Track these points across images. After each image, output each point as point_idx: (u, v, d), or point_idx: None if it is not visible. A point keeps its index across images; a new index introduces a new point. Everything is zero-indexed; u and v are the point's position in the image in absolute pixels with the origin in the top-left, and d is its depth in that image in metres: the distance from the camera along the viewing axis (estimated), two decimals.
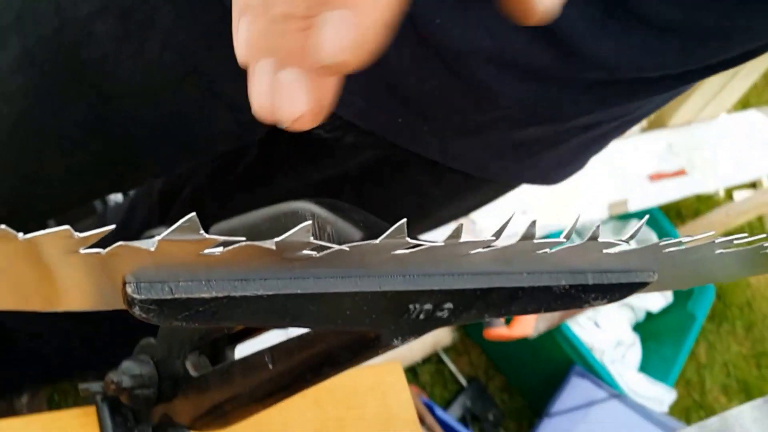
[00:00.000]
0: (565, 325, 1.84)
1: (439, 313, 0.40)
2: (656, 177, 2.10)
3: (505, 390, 2.02)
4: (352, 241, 0.44)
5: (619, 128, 0.68)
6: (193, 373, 0.50)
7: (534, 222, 0.36)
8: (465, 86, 0.56)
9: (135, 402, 0.52)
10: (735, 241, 0.44)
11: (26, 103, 0.63)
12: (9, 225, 0.24)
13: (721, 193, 2.64)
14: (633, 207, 2.02)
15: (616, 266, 0.46)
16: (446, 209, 0.78)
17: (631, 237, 0.44)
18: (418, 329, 0.40)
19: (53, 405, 1.47)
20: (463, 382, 1.95)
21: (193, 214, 0.26)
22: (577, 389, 1.82)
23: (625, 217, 2.16)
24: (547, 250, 0.39)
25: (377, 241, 0.32)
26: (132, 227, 0.99)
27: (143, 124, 0.63)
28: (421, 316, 0.40)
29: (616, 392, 1.83)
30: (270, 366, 0.45)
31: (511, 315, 0.43)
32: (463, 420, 1.87)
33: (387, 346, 0.41)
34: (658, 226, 2.18)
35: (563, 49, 0.52)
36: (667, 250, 0.44)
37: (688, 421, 2.16)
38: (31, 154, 0.67)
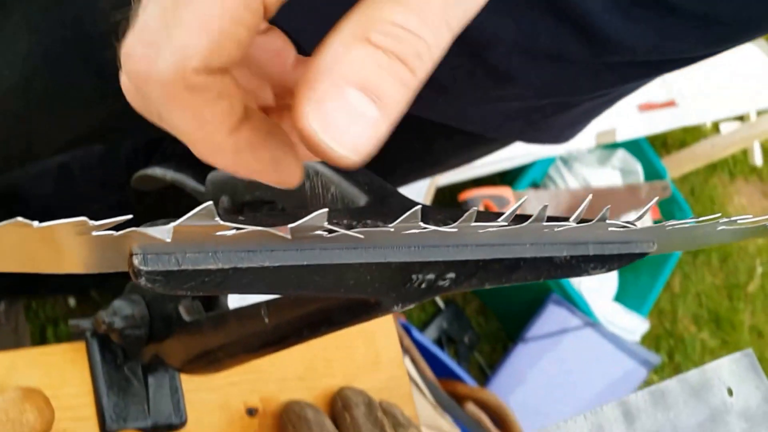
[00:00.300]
0: None
1: (441, 283, 0.40)
2: (645, 107, 2.09)
3: (482, 313, 2.05)
4: (357, 204, 0.43)
5: (631, 91, 0.69)
6: (185, 317, 0.50)
7: (545, 207, 0.36)
8: (487, 69, 0.55)
9: (125, 341, 0.52)
10: (739, 221, 0.44)
11: (30, 67, 0.62)
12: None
13: (708, 125, 2.64)
14: (620, 137, 2.01)
15: (617, 238, 0.46)
16: (454, 159, 0.78)
17: (639, 218, 0.44)
18: (419, 297, 0.41)
19: (30, 313, 1.48)
20: (441, 304, 1.97)
21: (210, 203, 0.26)
22: (552, 316, 1.85)
23: (612, 146, 2.15)
24: (555, 228, 0.39)
25: (391, 228, 0.32)
26: (117, 159, 0.98)
27: None
28: (423, 286, 0.40)
29: (590, 321, 1.86)
30: (265, 320, 0.45)
31: (511, 283, 0.43)
32: (438, 342, 1.90)
33: (386, 311, 0.41)
34: (644, 157, 2.18)
35: (589, 36, 0.52)
36: (670, 227, 0.44)
37: (657, 349, 2.20)
38: (34, 111, 0.66)
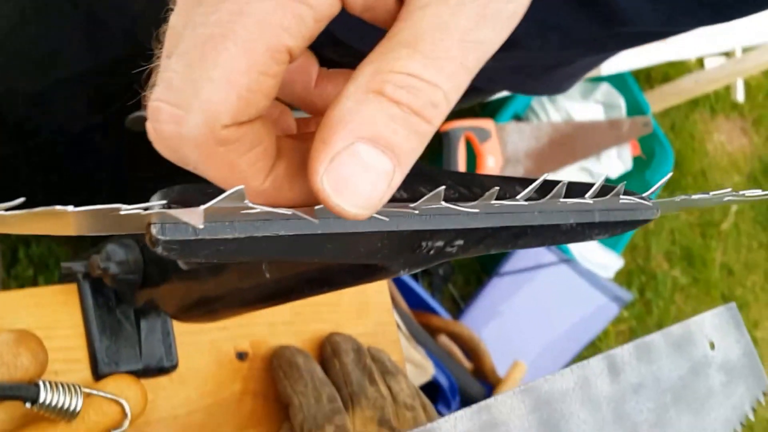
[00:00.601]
0: None
1: (449, 249, 0.40)
2: None
3: None
4: None
5: None
6: (182, 266, 0.49)
7: (565, 183, 0.36)
8: None
9: (119, 285, 0.52)
10: (747, 194, 0.44)
11: (18, 14, 0.60)
12: None
13: (693, 60, 2.63)
14: (605, 71, 2.00)
15: (623, 205, 0.46)
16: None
17: (650, 194, 0.43)
18: (426, 262, 0.41)
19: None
20: None
21: (242, 186, 0.26)
22: (528, 251, 1.86)
23: (596, 79, 2.14)
24: (567, 201, 0.39)
25: (416, 211, 0.31)
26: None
27: (135, 46, 0.62)
28: (432, 252, 0.40)
29: (565, 257, 1.87)
30: (266, 275, 0.44)
31: (517, 248, 0.43)
32: (413, 274, 1.90)
33: (392, 275, 0.41)
34: (627, 91, 2.17)
35: (602, 12, 0.52)
36: (680, 200, 0.44)
37: (629, 286, 2.23)
38: (22, 57, 0.65)
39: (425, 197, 0.31)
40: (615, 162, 2.10)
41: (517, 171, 1.86)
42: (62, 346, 0.54)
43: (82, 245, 1.52)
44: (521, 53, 0.59)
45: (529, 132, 1.95)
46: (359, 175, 0.25)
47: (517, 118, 2.04)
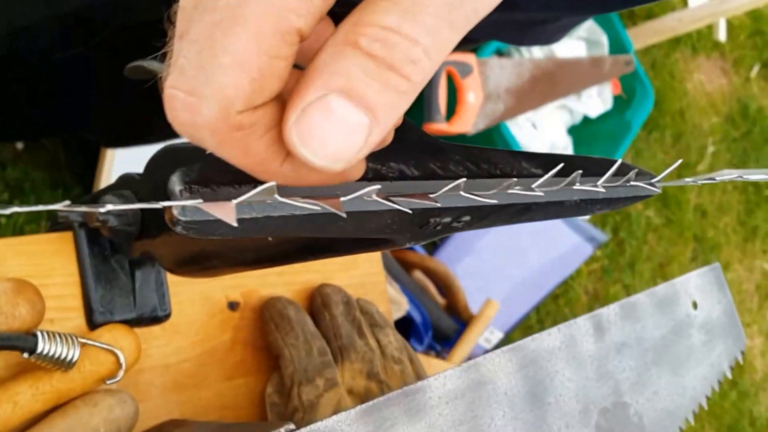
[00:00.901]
0: (503, 124, 1.85)
1: (456, 224, 0.41)
2: None
3: None
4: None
5: None
6: None
7: (579, 173, 0.36)
8: None
9: (116, 236, 0.51)
10: (751, 178, 0.45)
11: None
12: None
13: None
14: None
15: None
16: None
17: (659, 180, 0.44)
18: (432, 236, 0.41)
19: None
20: None
21: (273, 183, 0.26)
22: None
23: None
24: (580, 188, 0.39)
25: (438, 204, 0.31)
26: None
27: None
28: (439, 228, 0.40)
29: None
30: (269, 239, 0.44)
31: (520, 223, 0.44)
32: None
33: (397, 247, 0.41)
34: (610, 27, 2.15)
35: None
36: (683, 182, 0.44)
37: (603, 226, 2.25)
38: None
39: (446, 188, 0.31)
40: (595, 101, 2.10)
41: (497, 107, 1.85)
42: (57, 294, 0.54)
43: (60, 173, 1.49)
44: (517, 14, 0.59)
45: (511, 68, 1.93)
46: (330, 126, 0.25)
47: (499, 53, 2.03)
